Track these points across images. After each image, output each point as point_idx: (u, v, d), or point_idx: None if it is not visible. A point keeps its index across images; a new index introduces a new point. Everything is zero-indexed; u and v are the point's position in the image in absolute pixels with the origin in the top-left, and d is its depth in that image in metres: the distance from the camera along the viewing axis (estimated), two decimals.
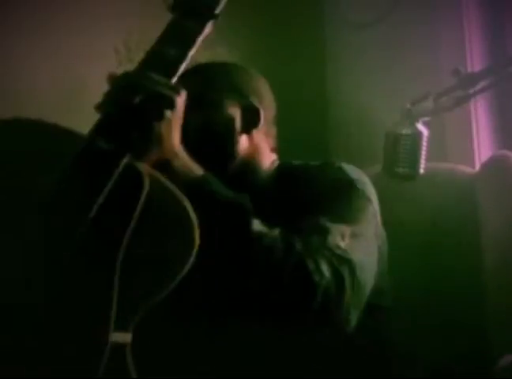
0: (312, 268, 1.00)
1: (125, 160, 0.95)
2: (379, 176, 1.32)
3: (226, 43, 1.82)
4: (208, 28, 1.11)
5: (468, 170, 1.62)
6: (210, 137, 1.25)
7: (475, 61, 1.86)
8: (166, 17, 1.51)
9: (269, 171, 1.28)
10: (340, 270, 1.02)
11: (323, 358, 1.11)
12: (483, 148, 1.84)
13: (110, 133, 0.96)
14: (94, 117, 1.01)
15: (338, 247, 1.05)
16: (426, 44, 1.97)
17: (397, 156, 1.28)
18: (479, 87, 1.24)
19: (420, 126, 1.28)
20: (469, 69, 1.78)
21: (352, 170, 1.21)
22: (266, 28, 2.15)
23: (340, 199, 1.15)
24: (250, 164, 1.27)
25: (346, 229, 1.09)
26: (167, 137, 1.01)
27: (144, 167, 0.97)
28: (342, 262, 1.03)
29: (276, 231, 1.04)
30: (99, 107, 0.99)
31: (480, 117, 1.85)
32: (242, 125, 1.26)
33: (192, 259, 0.89)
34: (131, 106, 0.97)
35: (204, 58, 1.79)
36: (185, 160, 1.06)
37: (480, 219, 1.48)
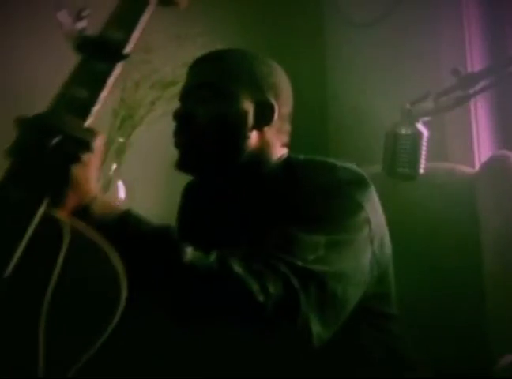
0: (255, 290, 0.96)
1: (41, 209, 0.89)
2: (379, 176, 1.31)
3: (226, 43, 1.81)
4: (118, 68, 1.06)
5: (468, 170, 1.62)
6: (220, 130, 1.23)
7: (475, 61, 1.86)
8: (166, 17, 1.52)
9: (275, 167, 1.26)
10: (293, 285, 0.98)
11: (325, 369, 1.10)
12: (483, 148, 1.84)
13: (22, 180, 0.90)
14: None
15: (303, 260, 1.01)
16: (426, 44, 1.97)
17: (397, 156, 1.28)
18: (479, 87, 1.24)
19: (420, 126, 1.27)
20: (469, 69, 1.78)
21: (347, 173, 1.18)
22: (266, 28, 2.15)
23: (323, 205, 1.12)
24: (257, 160, 1.24)
25: (322, 238, 1.05)
26: (85, 182, 0.96)
27: (62, 216, 0.92)
28: (303, 276, 1.00)
29: (212, 256, 1.00)
30: (10, 153, 0.92)
31: (480, 117, 1.85)
32: (255, 121, 1.24)
33: (119, 312, 0.86)
34: (45, 150, 0.91)
35: None
36: (104, 202, 1.02)
37: (479, 219, 1.48)
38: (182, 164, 1.24)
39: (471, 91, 1.24)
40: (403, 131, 1.28)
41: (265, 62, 1.31)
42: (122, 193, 1.76)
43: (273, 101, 1.26)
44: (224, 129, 1.23)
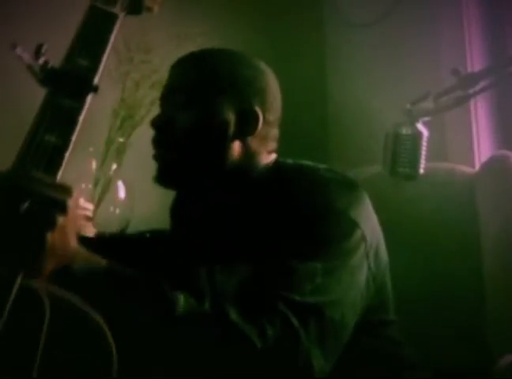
0: (254, 336, 0.93)
1: (18, 281, 0.81)
2: (379, 176, 1.31)
3: (226, 43, 1.81)
4: (88, 102, 0.92)
5: (468, 170, 1.62)
6: (198, 141, 1.15)
7: (475, 61, 1.86)
8: (166, 17, 1.52)
9: (260, 177, 1.18)
10: (292, 323, 0.95)
11: None
12: (483, 148, 1.83)
13: None
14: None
15: (301, 293, 0.98)
16: (426, 44, 1.97)
17: (397, 156, 1.28)
18: (479, 87, 1.24)
19: (420, 126, 1.27)
20: (469, 69, 1.78)
21: (337, 184, 1.13)
22: (266, 28, 2.15)
23: (317, 228, 1.05)
24: (240, 171, 1.17)
25: (319, 266, 1.01)
26: (62, 245, 0.87)
27: (41, 287, 0.86)
28: (302, 311, 0.97)
29: (206, 303, 0.96)
30: None
31: (480, 117, 1.85)
32: (237, 130, 1.16)
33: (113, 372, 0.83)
34: (16, 216, 0.81)
35: None
36: (86, 257, 0.94)
37: (479, 219, 1.47)
38: (159, 179, 1.18)
39: (471, 91, 1.24)
40: (403, 131, 1.27)
41: (250, 65, 1.22)
42: (122, 193, 1.76)
43: (258, 109, 1.18)
44: (201, 140, 1.15)
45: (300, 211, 1.07)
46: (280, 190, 1.12)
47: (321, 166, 1.19)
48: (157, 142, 1.18)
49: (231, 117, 1.16)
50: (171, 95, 1.20)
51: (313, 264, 1.02)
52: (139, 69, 1.79)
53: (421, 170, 1.27)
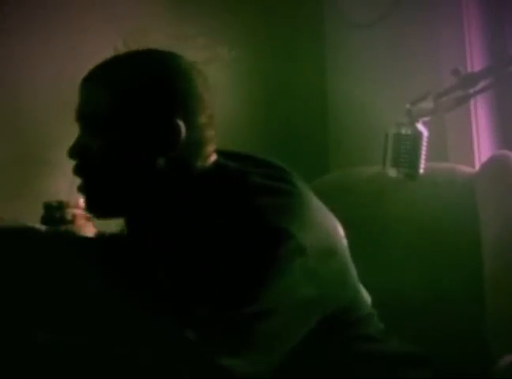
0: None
1: None
2: (379, 176, 1.31)
3: (226, 43, 1.82)
4: None
5: (468, 170, 1.62)
6: (116, 168, 1.08)
7: (475, 62, 1.86)
8: (166, 17, 1.52)
9: (196, 186, 1.10)
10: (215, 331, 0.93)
11: None
12: (483, 148, 1.83)
13: None
14: None
15: (229, 306, 0.96)
16: (426, 44, 1.97)
17: (397, 156, 1.28)
18: (479, 87, 1.24)
19: (420, 126, 1.27)
20: (469, 69, 1.78)
21: (267, 197, 1.03)
22: (266, 28, 2.15)
23: (241, 245, 0.98)
24: (171, 186, 1.10)
25: (247, 280, 0.97)
26: None
27: None
28: (228, 323, 0.95)
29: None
30: None
31: (480, 117, 1.85)
32: (157, 148, 1.08)
33: None
34: None
35: (203, 58, 1.79)
36: None
37: (479, 219, 1.47)
38: (89, 210, 1.14)
39: (471, 91, 1.24)
40: (403, 131, 1.28)
41: (163, 71, 1.12)
42: None
43: (179, 119, 1.08)
44: (118, 167, 1.08)
45: (225, 225, 1.01)
46: (208, 202, 1.07)
47: (260, 170, 1.12)
48: (77, 172, 1.12)
49: (147, 136, 1.08)
50: (80, 121, 1.13)
51: (242, 279, 0.97)
52: None
53: (421, 170, 1.27)
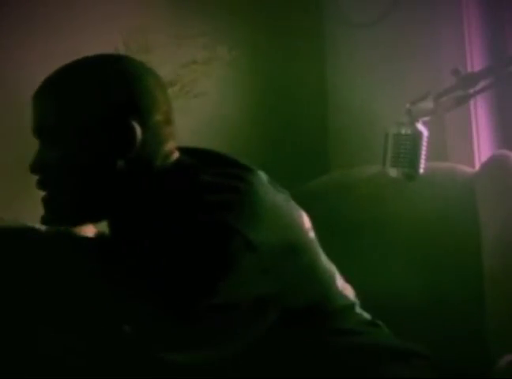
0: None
1: None
2: (379, 176, 1.31)
3: (226, 43, 1.82)
4: None
5: (468, 169, 1.62)
6: (71, 179, 1.10)
7: (475, 61, 1.86)
8: (166, 17, 1.52)
9: (156, 184, 1.11)
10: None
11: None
12: (483, 148, 1.83)
13: None
14: None
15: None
16: (426, 44, 1.97)
17: (397, 156, 1.28)
18: (479, 87, 1.24)
19: (420, 126, 1.27)
20: (469, 69, 1.78)
21: (214, 194, 1.03)
22: (266, 28, 2.15)
23: (188, 244, 0.99)
24: (135, 187, 1.10)
25: (201, 303, 0.97)
26: None
27: None
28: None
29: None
30: None
31: (480, 117, 1.85)
32: (113, 152, 1.09)
33: None
34: None
35: (203, 58, 1.80)
36: None
37: (479, 219, 1.47)
38: (56, 221, 1.15)
39: (471, 91, 1.24)
40: (403, 131, 1.28)
41: (112, 71, 1.12)
42: None
43: (133, 119, 1.09)
44: (76, 177, 1.10)
45: (174, 223, 1.03)
46: (163, 201, 1.09)
47: (215, 169, 1.12)
48: (41, 187, 1.13)
49: (103, 141, 1.09)
50: (36, 135, 1.14)
51: (193, 275, 0.98)
52: None
53: (421, 170, 1.27)
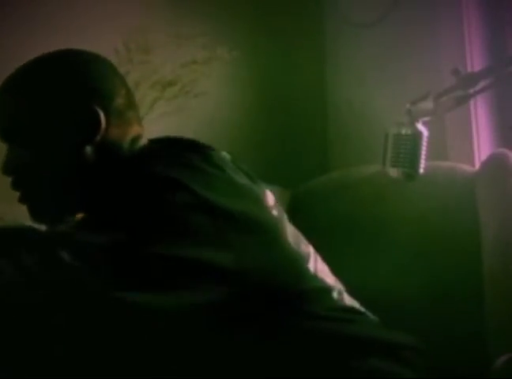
0: None
1: None
2: (379, 175, 1.32)
3: (226, 43, 1.82)
4: None
5: (468, 169, 1.62)
6: (45, 175, 1.12)
7: (475, 61, 1.86)
8: (166, 17, 1.51)
9: (121, 171, 1.11)
10: None
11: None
12: (483, 147, 1.84)
13: None
14: None
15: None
16: (426, 44, 1.97)
17: (397, 156, 1.28)
18: (479, 87, 1.24)
19: (420, 126, 1.27)
20: (469, 69, 1.78)
21: (152, 187, 1.00)
22: (266, 28, 2.15)
23: (141, 212, 0.98)
24: (106, 171, 1.11)
25: (154, 249, 0.96)
26: None
27: None
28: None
29: None
30: None
31: (480, 117, 1.85)
32: (79, 140, 1.10)
33: None
34: None
35: (203, 58, 1.80)
36: None
37: (479, 218, 1.48)
38: (37, 219, 1.16)
39: (471, 91, 1.24)
40: (403, 131, 1.28)
41: (67, 63, 1.15)
42: None
43: (95, 105, 1.11)
44: (48, 172, 1.12)
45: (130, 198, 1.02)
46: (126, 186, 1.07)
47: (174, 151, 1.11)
48: (16, 187, 1.15)
49: (68, 131, 1.11)
50: (3, 136, 1.16)
51: (137, 225, 0.97)
52: (139, 69, 1.79)
53: (421, 170, 1.27)
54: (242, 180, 1.11)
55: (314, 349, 1.06)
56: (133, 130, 1.16)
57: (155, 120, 1.77)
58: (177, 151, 1.09)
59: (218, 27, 1.98)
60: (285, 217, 1.17)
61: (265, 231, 1.08)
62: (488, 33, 1.91)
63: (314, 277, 1.13)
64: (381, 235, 1.56)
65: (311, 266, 1.14)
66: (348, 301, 1.18)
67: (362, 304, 1.23)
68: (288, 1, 2.20)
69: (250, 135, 2.07)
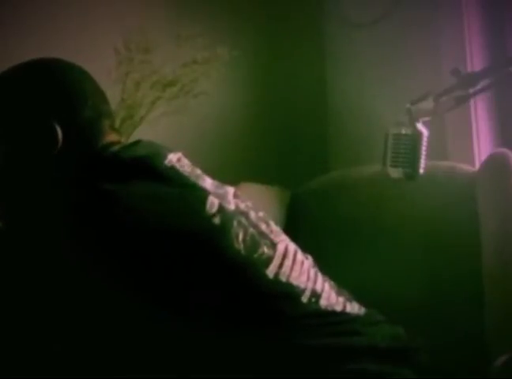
0: None
1: None
2: (379, 175, 1.31)
3: (226, 43, 1.82)
4: None
5: (468, 168, 1.62)
6: (14, 184, 1.16)
7: (475, 61, 1.86)
8: (166, 17, 1.51)
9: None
10: None
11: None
12: (483, 148, 1.84)
13: None
14: None
15: None
16: (426, 44, 1.97)
17: (397, 156, 1.28)
18: (479, 87, 1.24)
19: (420, 126, 1.27)
20: (469, 69, 1.78)
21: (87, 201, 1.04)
22: (266, 28, 2.15)
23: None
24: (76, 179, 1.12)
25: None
26: None
27: None
28: None
29: None
30: None
31: (480, 117, 1.85)
32: (38, 152, 1.13)
33: None
34: None
35: (203, 58, 1.80)
36: None
37: (479, 218, 1.48)
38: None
39: (471, 91, 1.24)
40: (403, 131, 1.27)
41: (33, 77, 1.16)
42: None
43: (55, 121, 1.12)
44: (14, 181, 1.16)
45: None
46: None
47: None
48: None
49: (24, 145, 1.14)
50: None
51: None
52: (139, 69, 1.79)
53: (421, 170, 1.27)
54: (172, 190, 1.10)
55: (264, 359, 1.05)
56: (105, 139, 1.17)
57: (155, 120, 1.77)
58: (112, 170, 1.10)
59: (218, 27, 1.97)
60: (243, 217, 1.14)
61: (202, 242, 1.07)
62: (488, 33, 1.91)
63: (273, 282, 1.10)
64: (381, 235, 1.56)
65: (271, 271, 1.10)
66: (330, 301, 1.14)
67: (362, 304, 1.23)
68: (287, 1, 2.20)
69: (249, 135, 2.07)
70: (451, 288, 1.46)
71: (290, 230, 1.44)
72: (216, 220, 1.10)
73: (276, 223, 1.24)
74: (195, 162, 1.23)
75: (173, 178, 1.12)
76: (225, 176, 1.27)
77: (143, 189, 1.06)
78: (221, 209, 1.11)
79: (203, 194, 1.12)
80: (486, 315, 1.38)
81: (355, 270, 1.47)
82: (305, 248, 1.24)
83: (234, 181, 1.32)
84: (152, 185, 1.08)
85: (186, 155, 1.22)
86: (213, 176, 1.24)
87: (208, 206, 1.11)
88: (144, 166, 1.10)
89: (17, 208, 1.15)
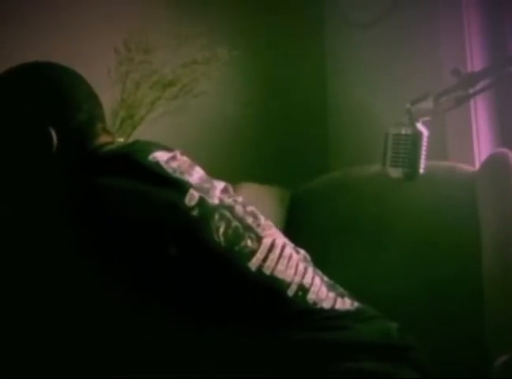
0: None
1: None
2: (379, 175, 1.31)
3: (226, 43, 1.82)
4: None
5: (468, 168, 1.62)
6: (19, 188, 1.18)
7: (475, 61, 1.86)
8: (166, 17, 1.51)
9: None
10: None
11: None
12: (483, 148, 1.84)
13: None
14: None
15: None
16: (426, 44, 1.97)
17: (397, 156, 1.28)
18: (479, 87, 1.24)
19: (420, 126, 1.27)
20: (469, 69, 1.78)
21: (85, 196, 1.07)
22: (266, 28, 2.15)
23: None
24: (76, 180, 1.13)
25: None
26: None
27: None
28: None
29: None
30: None
31: (480, 117, 1.85)
32: (33, 154, 1.16)
33: None
34: None
35: (203, 58, 1.80)
36: None
37: (479, 217, 1.48)
38: None
39: (471, 91, 1.24)
40: (403, 131, 1.27)
41: (29, 82, 1.18)
42: None
43: (50, 126, 1.15)
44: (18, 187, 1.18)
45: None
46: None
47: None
48: None
49: (21, 147, 1.17)
50: None
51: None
52: (139, 69, 1.79)
53: (421, 170, 1.27)
54: (152, 186, 1.11)
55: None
56: (98, 141, 1.19)
57: (155, 120, 1.77)
58: (96, 165, 1.13)
59: (218, 27, 1.97)
60: (227, 211, 1.15)
61: (182, 235, 1.08)
62: (488, 33, 1.91)
63: (256, 275, 1.10)
64: (381, 235, 1.56)
65: (253, 263, 1.10)
66: (319, 295, 1.13)
67: (361, 303, 1.23)
68: (287, 1, 2.20)
69: (249, 135, 2.07)
70: (451, 288, 1.46)
71: (290, 230, 1.45)
72: (195, 213, 1.11)
73: (276, 223, 1.24)
74: (195, 162, 1.24)
75: (155, 172, 1.13)
76: (225, 176, 1.27)
77: (124, 183, 1.08)
78: (201, 202, 1.13)
79: (184, 188, 1.14)
80: (486, 315, 1.38)
81: (356, 270, 1.47)
82: (305, 248, 1.25)
83: (234, 181, 1.32)
84: (133, 178, 1.10)
85: (186, 155, 1.22)
86: (213, 176, 1.24)
87: (187, 199, 1.12)
88: (128, 161, 1.12)
89: (11, 206, 1.17)
